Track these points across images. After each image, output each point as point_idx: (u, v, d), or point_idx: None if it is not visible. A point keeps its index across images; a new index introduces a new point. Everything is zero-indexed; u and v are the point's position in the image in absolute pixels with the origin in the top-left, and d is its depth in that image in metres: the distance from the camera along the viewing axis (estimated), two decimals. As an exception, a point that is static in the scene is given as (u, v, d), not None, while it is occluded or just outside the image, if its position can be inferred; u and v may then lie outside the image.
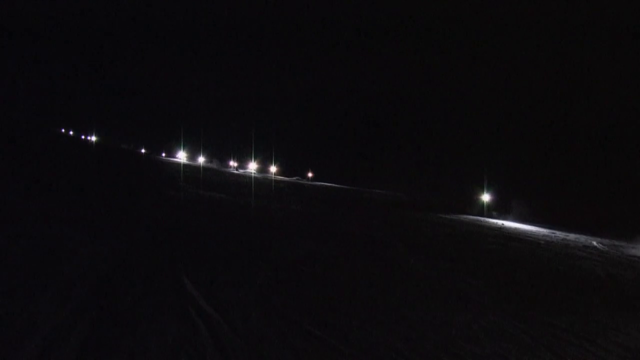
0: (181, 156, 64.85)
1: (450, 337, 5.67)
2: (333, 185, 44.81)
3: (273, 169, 60.61)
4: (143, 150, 77.49)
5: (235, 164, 64.82)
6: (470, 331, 5.95)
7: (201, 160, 67.29)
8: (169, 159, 62.52)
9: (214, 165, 59.72)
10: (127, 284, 6.38)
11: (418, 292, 7.53)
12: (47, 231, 8.70)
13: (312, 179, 54.78)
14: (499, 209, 27.31)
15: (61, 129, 75.84)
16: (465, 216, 24.00)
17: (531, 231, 19.78)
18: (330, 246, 10.63)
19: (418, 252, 11.03)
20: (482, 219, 23.78)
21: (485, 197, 29.01)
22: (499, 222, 22.53)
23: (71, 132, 74.79)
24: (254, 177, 41.45)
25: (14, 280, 6.01)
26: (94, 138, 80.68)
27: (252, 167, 59.60)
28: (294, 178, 52.23)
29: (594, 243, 16.92)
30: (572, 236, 18.78)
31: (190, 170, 36.55)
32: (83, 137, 77.99)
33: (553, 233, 19.51)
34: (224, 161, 66.02)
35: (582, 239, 18.25)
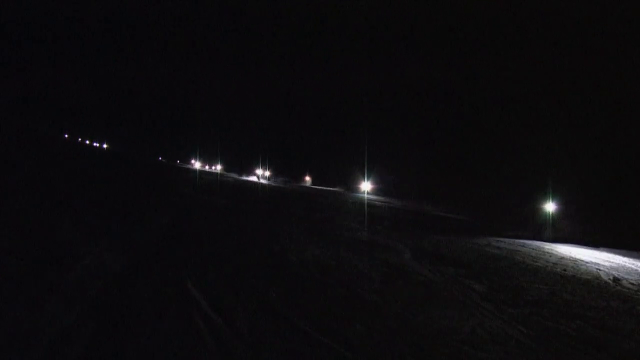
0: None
1: (454, 342, 5.63)
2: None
3: (308, 178, 57.75)
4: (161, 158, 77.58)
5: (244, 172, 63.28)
6: (475, 336, 5.92)
7: (219, 167, 66.26)
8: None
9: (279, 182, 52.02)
10: (133, 290, 6.38)
11: (422, 297, 7.51)
12: (51, 235, 8.72)
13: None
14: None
15: (65, 135, 76.07)
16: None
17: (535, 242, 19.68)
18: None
19: (424, 258, 11.01)
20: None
21: (550, 207, 23.58)
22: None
23: (80, 139, 75.05)
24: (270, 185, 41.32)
25: (17, 285, 6.01)
26: (105, 145, 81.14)
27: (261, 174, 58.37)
28: (336, 188, 46.29)
29: (601, 250, 16.86)
30: (575, 246, 18.68)
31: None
32: (96, 144, 78.34)
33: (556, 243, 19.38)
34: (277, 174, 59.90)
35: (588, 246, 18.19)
